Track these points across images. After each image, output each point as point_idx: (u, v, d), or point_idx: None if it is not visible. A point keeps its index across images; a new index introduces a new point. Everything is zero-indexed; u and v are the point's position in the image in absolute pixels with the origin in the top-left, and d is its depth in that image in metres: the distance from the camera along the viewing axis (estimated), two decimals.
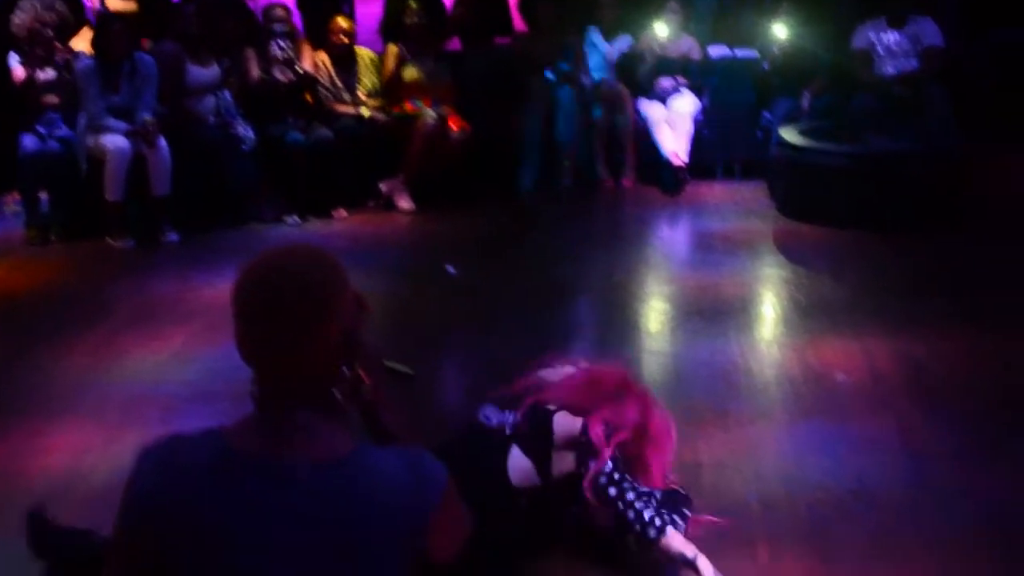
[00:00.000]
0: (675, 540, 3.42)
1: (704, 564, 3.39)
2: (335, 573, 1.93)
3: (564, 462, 3.63)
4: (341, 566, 1.93)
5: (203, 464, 1.95)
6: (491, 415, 3.78)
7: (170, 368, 5.45)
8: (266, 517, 1.92)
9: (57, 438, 4.70)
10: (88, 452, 4.52)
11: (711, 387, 5.10)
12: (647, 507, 3.44)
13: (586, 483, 3.51)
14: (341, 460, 1.95)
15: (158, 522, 1.94)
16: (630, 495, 3.45)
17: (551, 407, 3.68)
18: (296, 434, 1.97)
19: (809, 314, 6.06)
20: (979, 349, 5.46)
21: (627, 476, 3.52)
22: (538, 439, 3.63)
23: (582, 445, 3.58)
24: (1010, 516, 3.93)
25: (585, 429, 3.58)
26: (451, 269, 6.80)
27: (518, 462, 3.63)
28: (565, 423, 3.62)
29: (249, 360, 2.00)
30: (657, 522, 3.41)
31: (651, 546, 3.43)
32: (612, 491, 3.46)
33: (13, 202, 8.35)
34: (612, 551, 3.60)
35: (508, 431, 3.68)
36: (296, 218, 8.21)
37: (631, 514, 3.43)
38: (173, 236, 7.78)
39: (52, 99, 7.89)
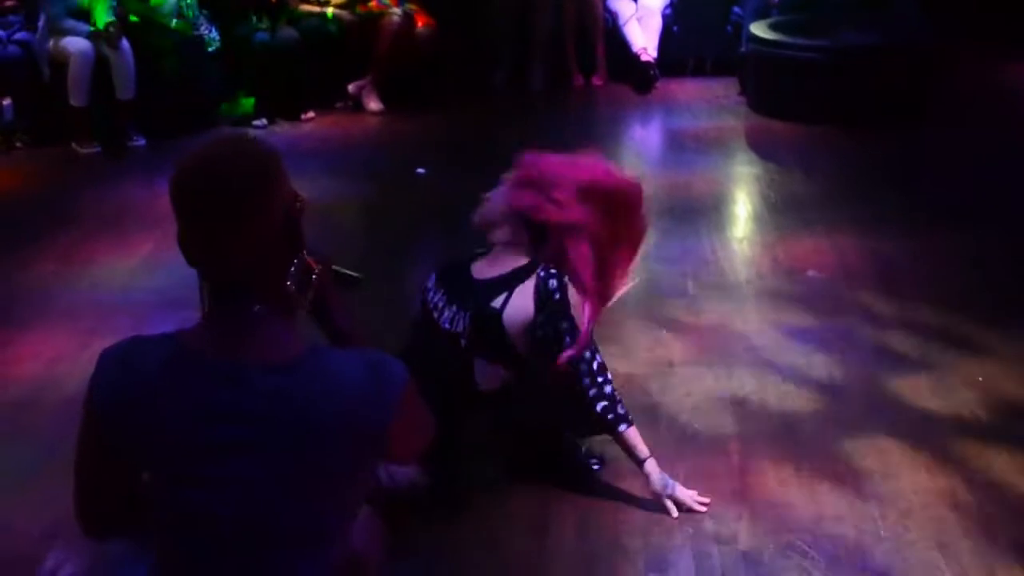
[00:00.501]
0: (633, 436, 3.44)
1: (652, 466, 3.43)
2: (293, 475, 1.93)
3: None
4: (298, 468, 1.93)
5: (158, 365, 1.95)
6: (442, 307, 3.50)
7: (140, 275, 5.42)
8: (219, 418, 1.92)
9: (27, 346, 4.69)
10: (59, 360, 4.51)
11: (682, 286, 5.11)
12: (618, 402, 3.41)
13: (561, 362, 3.33)
14: (295, 361, 1.94)
15: (116, 421, 1.97)
16: (608, 388, 3.40)
17: (495, 306, 3.39)
18: (248, 333, 1.96)
19: (780, 211, 6.07)
20: (948, 244, 5.48)
21: (603, 364, 3.43)
22: (497, 346, 3.41)
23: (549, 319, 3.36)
24: (978, 411, 3.98)
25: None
26: (420, 170, 6.76)
27: (485, 369, 3.45)
28: (516, 319, 3.37)
29: (194, 259, 1.98)
30: (620, 411, 3.40)
31: (611, 433, 3.44)
32: (587, 381, 3.39)
33: None
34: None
35: (463, 342, 3.42)
36: (264, 120, 8.12)
37: (600, 406, 3.39)
38: (140, 140, 7.68)
39: (9, 1, 7.74)
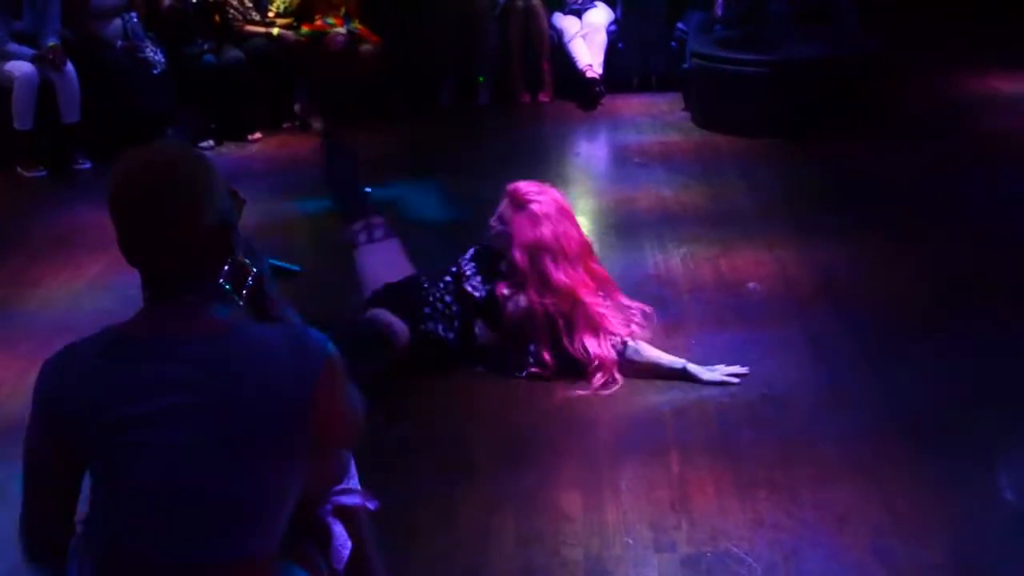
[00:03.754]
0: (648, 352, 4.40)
1: (694, 368, 4.32)
2: (218, 442, 1.99)
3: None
4: (223, 435, 1.99)
5: (92, 355, 2.06)
6: (470, 276, 4.57)
7: (86, 297, 5.41)
8: (147, 389, 2.00)
9: None
10: (1, 384, 4.50)
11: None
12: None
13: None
14: (221, 332, 2.03)
15: (64, 418, 2.06)
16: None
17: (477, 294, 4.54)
18: (177, 315, 2.05)
19: (722, 224, 6.13)
20: (888, 256, 5.57)
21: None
22: (495, 318, 4.50)
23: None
24: (914, 418, 4.05)
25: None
26: (367, 189, 6.77)
27: (483, 331, 4.54)
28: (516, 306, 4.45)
29: (133, 259, 2.07)
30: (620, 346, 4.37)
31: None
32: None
33: None
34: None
35: (475, 306, 4.52)
36: (211, 142, 8.12)
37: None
38: (86, 164, 7.65)
39: None
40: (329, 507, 2.44)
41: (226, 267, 2.11)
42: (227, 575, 2.07)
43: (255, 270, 2.17)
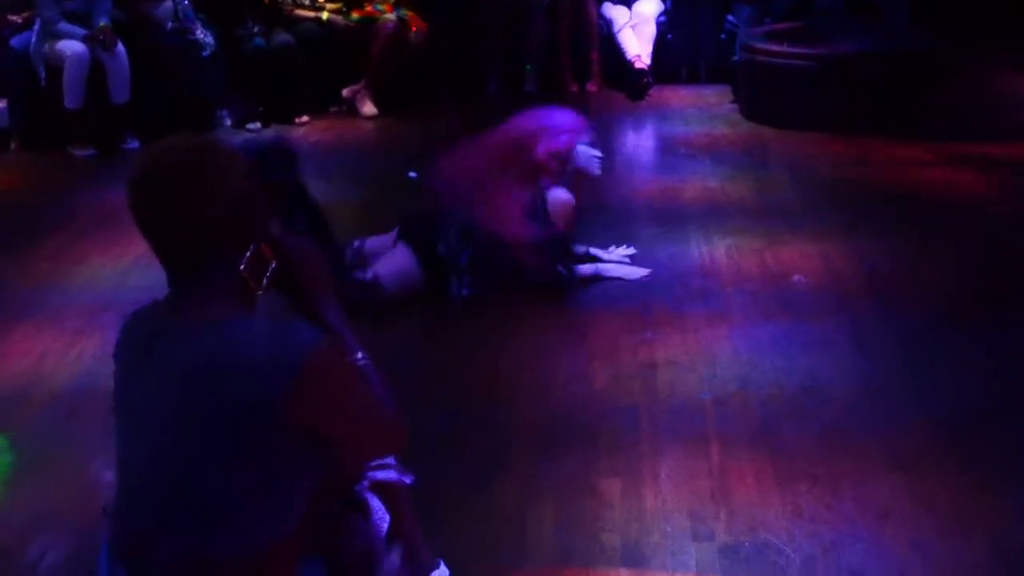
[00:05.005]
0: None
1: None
2: (200, 432, 2.00)
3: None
4: (204, 427, 2.00)
5: (135, 334, 2.14)
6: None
7: (131, 274, 5.45)
8: (150, 376, 2.05)
9: (17, 343, 4.73)
10: (47, 356, 4.54)
11: (669, 290, 5.14)
12: None
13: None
14: (219, 322, 2.03)
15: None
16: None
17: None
18: (184, 307, 2.07)
19: (768, 217, 6.10)
20: (933, 251, 5.51)
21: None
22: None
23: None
24: (957, 413, 4.01)
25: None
26: (413, 174, 6.79)
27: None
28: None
29: (147, 241, 2.11)
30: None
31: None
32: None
33: None
34: None
35: None
36: (258, 124, 8.16)
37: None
38: (134, 143, 7.73)
39: (16, 19, 7.81)
40: (366, 483, 2.44)
41: (247, 255, 2.10)
42: (227, 570, 2.07)
43: (275, 263, 2.15)
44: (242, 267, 2.08)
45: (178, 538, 2.05)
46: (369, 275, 4.99)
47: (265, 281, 2.13)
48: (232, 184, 2.08)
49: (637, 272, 5.29)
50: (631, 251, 5.52)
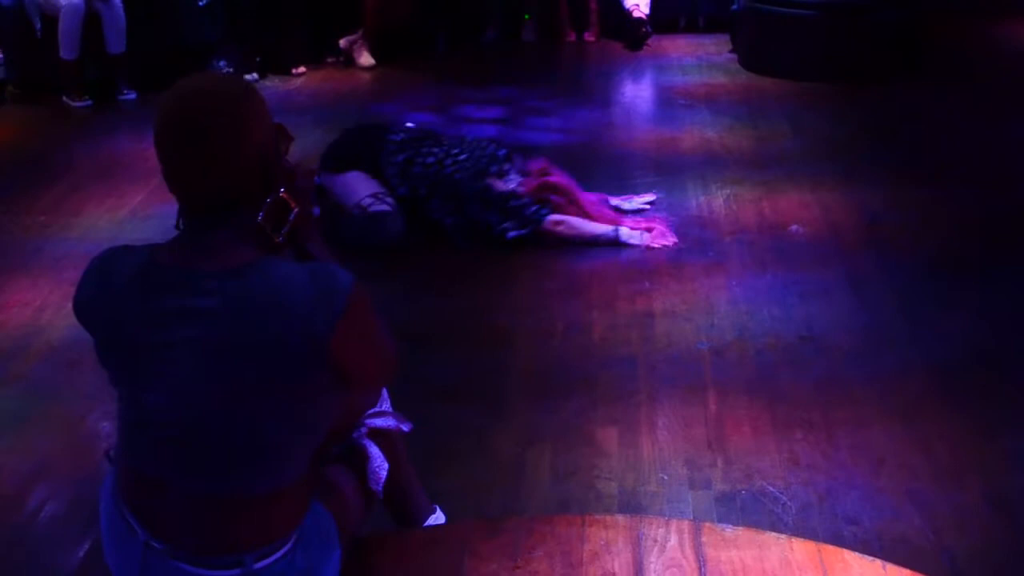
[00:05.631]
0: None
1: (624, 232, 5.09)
2: (234, 375, 1.99)
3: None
4: (238, 368, 1.99)
5: (127, 275, 2.06)
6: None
7: (128, 225, 5.45)
8: (167, 319, 2.01)
9: (15, 295, 4.73)
10: (45, 308, 4.55)
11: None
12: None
13: None
14: (244, 267, 2.01)
15: (92, 328, 2.11)
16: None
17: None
18: (206, 247, 2.04)
19: (767, 166, 6.08)
20: (932, 201, 5.51)
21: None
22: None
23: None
24: (953, 361, 4.03)
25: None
26: (410, 124, 6.76)
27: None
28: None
29: (172, 188, 2.06)
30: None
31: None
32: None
33: None
34: None
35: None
36: (255, 75, 8.12)
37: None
38: (131, 94, 7.68)
39: None
40: (364, 430, 2.45)
41: (267, 202, 2.08)
42: (244, 508, 2.08)
43: (296, 209, 2.13)
44: (260, 217, 2.06)
45: (199, 481, 2.05)
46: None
47: (287, 228, 2.11)
48: (261, 131, 2.06)
49: (661, 239, 5.12)
50: (652, 197, 5.57)
